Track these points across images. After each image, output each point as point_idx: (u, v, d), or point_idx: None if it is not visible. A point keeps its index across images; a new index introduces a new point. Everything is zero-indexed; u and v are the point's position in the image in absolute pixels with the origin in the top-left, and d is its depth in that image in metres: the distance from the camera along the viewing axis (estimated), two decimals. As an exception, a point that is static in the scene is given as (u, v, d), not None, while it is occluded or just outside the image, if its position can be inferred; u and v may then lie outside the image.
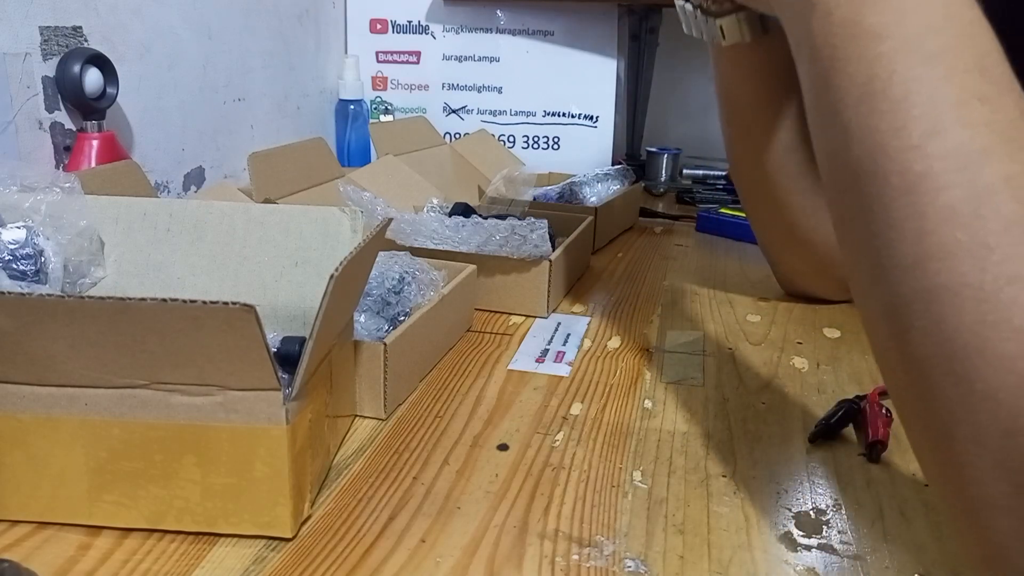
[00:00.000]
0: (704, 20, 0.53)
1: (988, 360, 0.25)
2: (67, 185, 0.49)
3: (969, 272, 0.25)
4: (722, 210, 1.00)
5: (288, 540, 0.35)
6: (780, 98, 0.57)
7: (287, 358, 0.39)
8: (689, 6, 0.52)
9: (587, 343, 0.60)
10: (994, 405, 0.24)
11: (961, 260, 0.25)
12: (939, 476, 0.28)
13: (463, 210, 0.74)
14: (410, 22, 1.24)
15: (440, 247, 0.65)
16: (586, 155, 1.23)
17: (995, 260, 0.25)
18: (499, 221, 0.66)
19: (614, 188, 0.95)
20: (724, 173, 1.25)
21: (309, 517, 0.37)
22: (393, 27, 1.25)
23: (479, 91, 1.25)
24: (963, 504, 0.27)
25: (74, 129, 0.70)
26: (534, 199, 0.89)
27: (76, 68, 0.67)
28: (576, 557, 0.35)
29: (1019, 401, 0.24)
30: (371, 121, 1.24)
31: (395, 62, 1.26)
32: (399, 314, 0.52)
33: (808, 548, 0.36)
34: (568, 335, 0.61)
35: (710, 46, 0.56)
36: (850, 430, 0.47)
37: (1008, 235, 0.25)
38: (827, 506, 0.40)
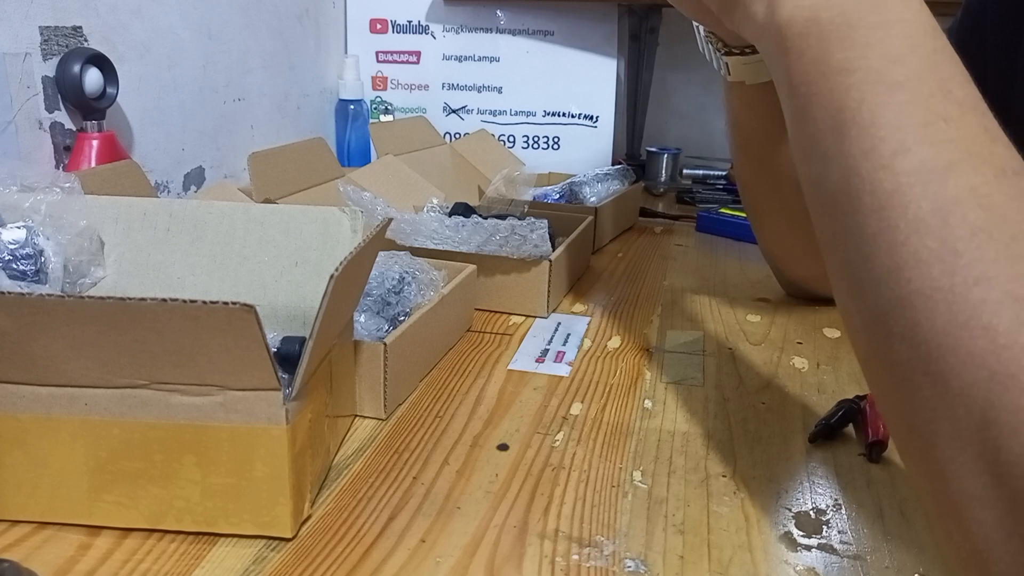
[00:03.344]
0: (713, 50, 0.52)
1: (960, 358, 0.26)
2: (67, 185, 0.49)
3: (940, 277, 0.27)
4: (722, 210, 1.00)
5: (288, 540, 0.35)
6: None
7: (287, 358, 0.39)
8: (703, 30, 0.51)
9: (587, 343, 0.60)
10: (968, 400, 0.26)
11: (931, 266, 0.27)
12: (924, 476, 0.29)
13: (463, 210, 0.74)
14: (410, 22, 1.24)
15: (440, 247, 0.65)
16: (586, 155, 1.23)
17: (963, 264, 0.26)
18: (499, 221, 0.66)
19: (614, 188, 0.95)
20: (724, 173, 1.25)
21: (309, 517, 0.37)
22: (393, 27, 1.25)
23: (479, 91, 1.26)
24: (947, 501, 0.28)
25: (74, 129, 0.70)
26: (534, 199, 0.89)
27: (76, 68, 0.67)
28: (576, 557, 0.35)
29: (991, 395, 0.25)
30: (371, 121, 1.24)
31: (395, 62, 1.26)
32: (399, 314, 0.52)
33: (808, 548, 0.36)
34: (568, 335, 0.61)
35: (724, 79, 0.55)
36: (850, 430, 0.47)
37: (974, 240, 0.27)
38: (827, 506, 0.40)
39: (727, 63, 0.51)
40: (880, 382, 0.30)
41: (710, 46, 0.51)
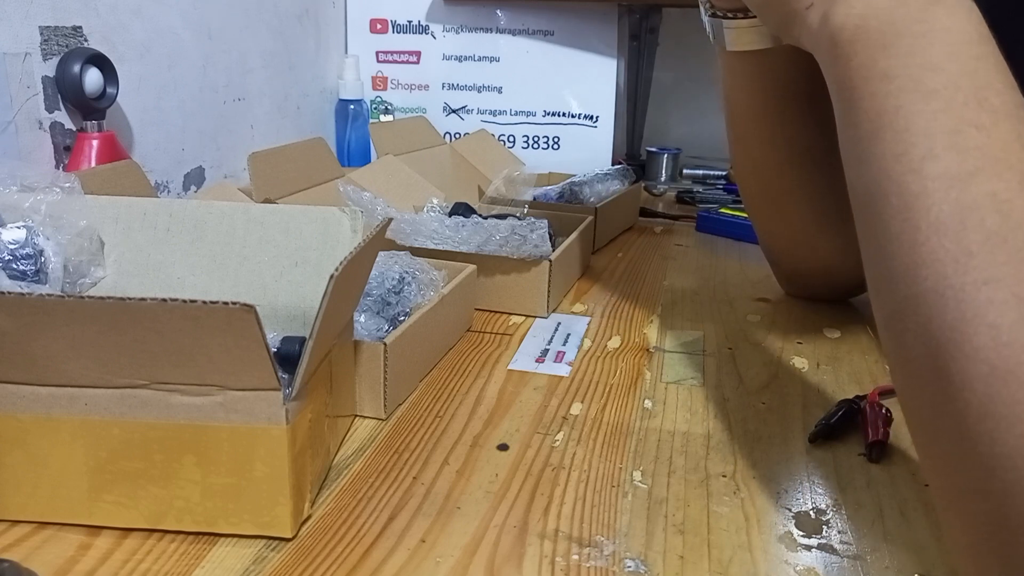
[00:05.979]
0: (710, 20, 0.52)
1: (964, 353, 0.27)
2: (67, 185, 0.49)
3: (952, 276, 0.28)
4: (722, 210, 1.00)
5: (288, 540, 0.35)
6: (774, 111, 0.57)
7: (287, 358, 0.39)
8: (704, 4, 0.52)
9: (587, 343, 0.60)
10: (969, 394, 0.27)
11: (946, 266, 0.28)
12: (930, 471, 0.30)
13: (463, 210, 0.74)
14: (410, 22, 1.24)
15: (440, 247, 0.65)
16: (586, 155, 1.23)
17: (974, 265, 0.28)
18: (499, 221, 0.66)
19: (614, 188, 0.95)
20: (724, 173, 1.26)
21: (309, 517, 0.37)
22: (393, 27, 1.25)
23: (479, 91, 1.26)
24: (947, 496, 0.29)
25: (74, 129, 0.70)
26: (534, 199, 0.89)
27: (76, 68, 0.67)
28: (576, 557, 0.35)
29: (990, 389, 0.26)
30: (371, 121, 1.24)
31: (395, 62, 1.26)
32: (399, 314, 0.52)
33: (808, 548, 0.36)
34: (568, 335, 0.61)
35: (717, 50, 0.56)
36: (850, 430, 0.47)
37: (988, 243, 0.28)
38: (827, 506, 0.40)
39: (726, 29, 0.52)
40: (895, 377, 0.31)
41: (709, 18, 0.53)
